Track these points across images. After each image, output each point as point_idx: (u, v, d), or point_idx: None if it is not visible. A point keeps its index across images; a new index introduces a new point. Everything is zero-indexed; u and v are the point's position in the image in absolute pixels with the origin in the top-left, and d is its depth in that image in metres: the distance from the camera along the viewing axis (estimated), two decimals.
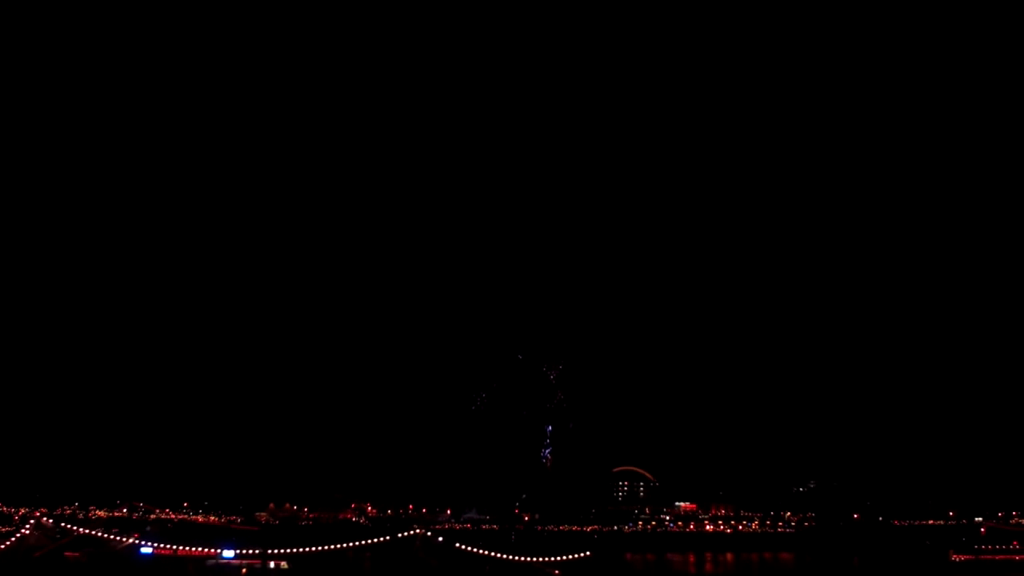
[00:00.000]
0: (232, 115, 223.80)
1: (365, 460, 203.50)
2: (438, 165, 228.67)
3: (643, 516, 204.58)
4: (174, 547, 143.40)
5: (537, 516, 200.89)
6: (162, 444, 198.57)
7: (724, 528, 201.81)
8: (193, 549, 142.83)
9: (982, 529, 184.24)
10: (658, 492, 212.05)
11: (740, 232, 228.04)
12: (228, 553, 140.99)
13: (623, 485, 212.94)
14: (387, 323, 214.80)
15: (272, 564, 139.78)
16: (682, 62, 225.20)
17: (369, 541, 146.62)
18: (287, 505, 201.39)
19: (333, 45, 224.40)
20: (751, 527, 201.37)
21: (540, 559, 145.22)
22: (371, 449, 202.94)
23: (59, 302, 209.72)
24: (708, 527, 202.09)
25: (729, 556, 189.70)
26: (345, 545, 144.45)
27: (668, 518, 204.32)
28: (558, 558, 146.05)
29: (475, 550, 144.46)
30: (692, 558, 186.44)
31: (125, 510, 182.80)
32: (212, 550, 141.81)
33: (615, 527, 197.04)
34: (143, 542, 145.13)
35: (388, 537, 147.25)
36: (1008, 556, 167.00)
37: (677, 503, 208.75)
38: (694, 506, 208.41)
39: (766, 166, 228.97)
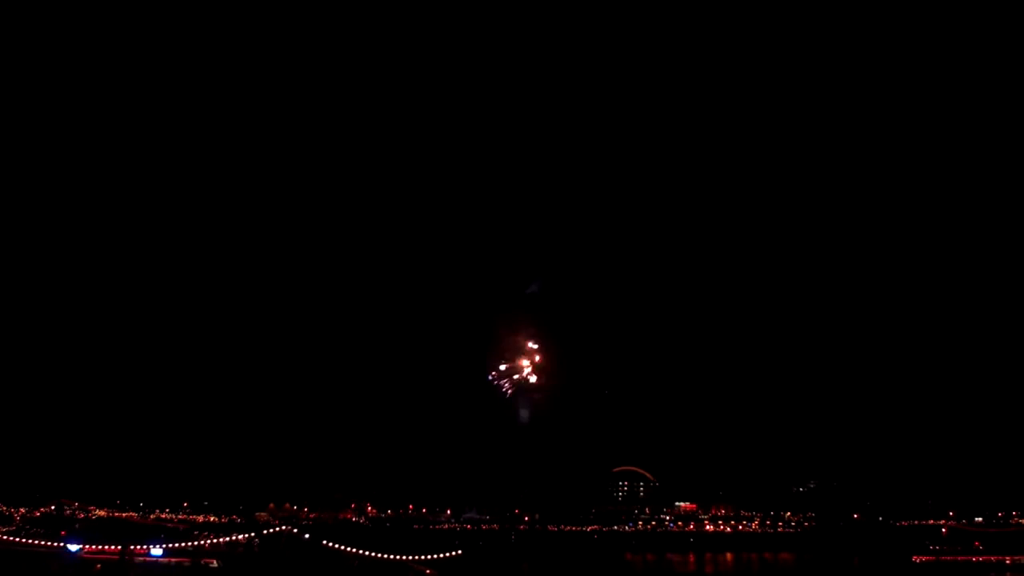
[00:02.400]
0: (232, 115, 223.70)
1: (365, 460, 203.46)
2: (441, 167, 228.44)
3: (643, 516, 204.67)
4: (101, 545, 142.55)
5: (537, 516, 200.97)
6: (162, 444, 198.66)
7: (724, 528, 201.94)
8: (121, 547, 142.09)
9: (943, 530, 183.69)
10: (658, 492, 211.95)
11: (739, 231, 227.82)
12: (156, 551, 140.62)
13: (623, 485, 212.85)
14: (388, 323, 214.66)
15: (202, 562, 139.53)
16: (683, 61, 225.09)
17: (232, 538, 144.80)
18: (287, 505, 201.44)
19: (333, 45, 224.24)
20: (751, 527, 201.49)
21: (412, 557, 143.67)
22: (371, 449, 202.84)
23: (56, 301, 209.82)
24: (708, 527, 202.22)
25: (729, 556, 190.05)
26: (215, 540, 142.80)
27: (668, 518, 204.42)
28: (430, 556, 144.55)
29: (344, 548, 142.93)
30: (692, 558, 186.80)
31: (53, 507, 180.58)
32: (141, 548, 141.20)
33: (615, 527, 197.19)
34: (68, 542, 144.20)
35: (252, 534, 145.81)
36: (968, 557, 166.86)
37: (677, 503, 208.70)
38: (694, 506, 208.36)
39: (764, 165, 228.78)
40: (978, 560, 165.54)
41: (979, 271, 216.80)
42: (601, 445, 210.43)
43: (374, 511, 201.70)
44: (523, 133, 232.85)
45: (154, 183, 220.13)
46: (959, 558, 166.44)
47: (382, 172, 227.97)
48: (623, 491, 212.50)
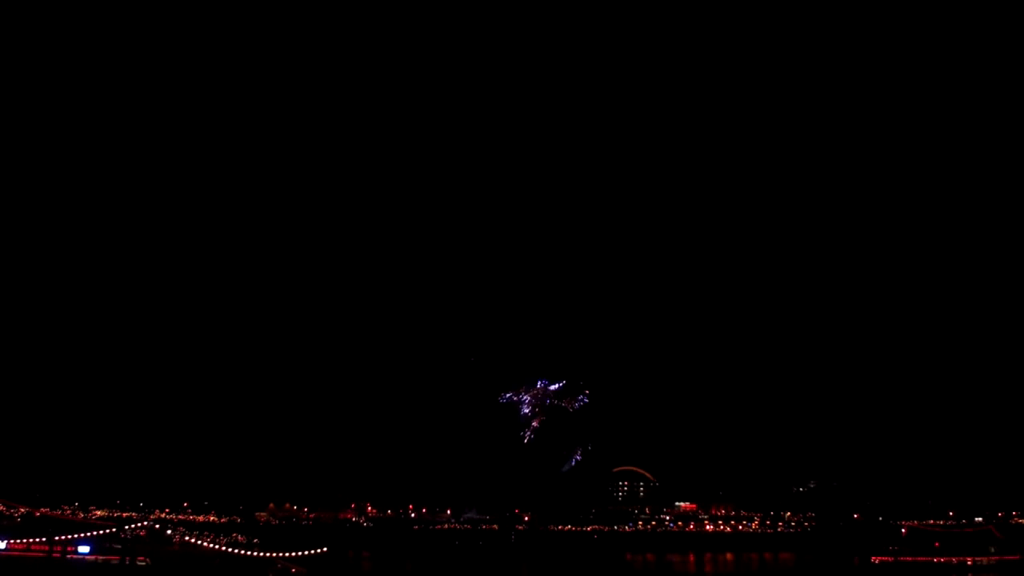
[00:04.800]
0: (232, 115, 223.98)
1: (365, 460, 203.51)
2: (448, 170, 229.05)
3: (643, 516, 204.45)
4: (29, 541, 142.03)
5: (534, 517, 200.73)
6: (163, 444, 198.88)
7: (724, 528, 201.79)
8: (49, 543, 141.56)
9: (903, 531, 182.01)
10: (658, 492, 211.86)
11: (739, 232, 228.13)
12: (84, 548, 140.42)
13: (623, 485, 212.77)
14: (388, 324, 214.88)
15: (136, 561, 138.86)
16: (682, 62, 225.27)
17: (101, 532, 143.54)
18: (287, 505, 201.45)
19: (333, 45, 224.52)
20: (751, 527, 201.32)
21: (278, 554, 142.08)
22: (371, 449, 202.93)
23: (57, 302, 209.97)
24: (708, 527, 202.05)
25: (729, 556, 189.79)
26: (89, 535, 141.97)
27: (668, 518, 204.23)
28: (296, 554, 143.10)
29: (207, 544, 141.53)
30: (692, 558, 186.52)
31: None
32: (69, 544, 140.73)
33: (615, 527, 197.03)
34: None
35: (114, 529, 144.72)
36: (928, 558, 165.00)
37: (677, 503, 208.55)
38: (694, 506, 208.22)
39: (765, 166, 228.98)
40: (938, 561, 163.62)
41: (979, 272, 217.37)
42: (601, 445, 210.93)
43: (374, 511, 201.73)
44: (523, 135, 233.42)
45: (155, 184, 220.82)
46: (919, 559, 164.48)
47: (384, 175, 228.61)
48: (623, 491, 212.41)
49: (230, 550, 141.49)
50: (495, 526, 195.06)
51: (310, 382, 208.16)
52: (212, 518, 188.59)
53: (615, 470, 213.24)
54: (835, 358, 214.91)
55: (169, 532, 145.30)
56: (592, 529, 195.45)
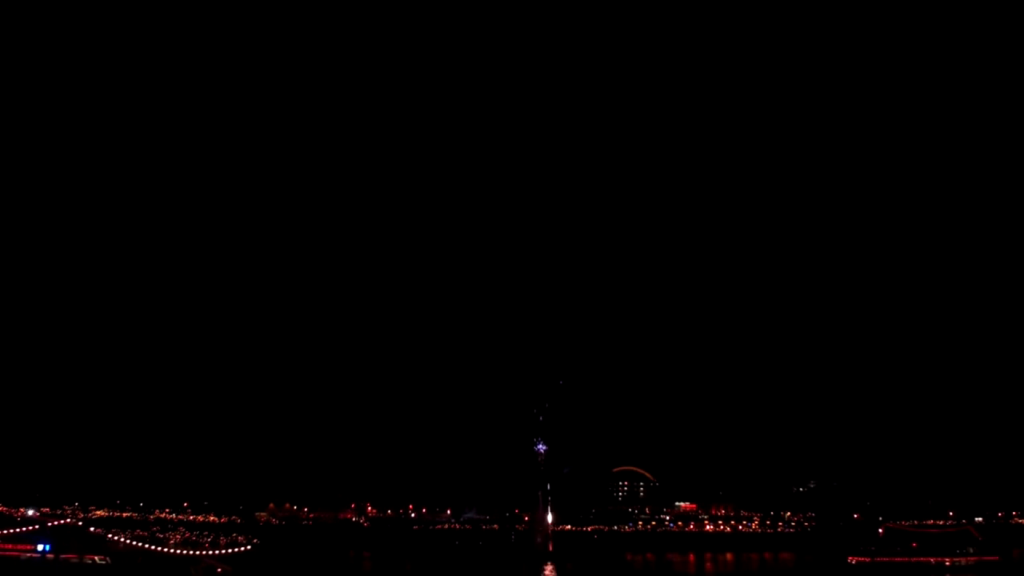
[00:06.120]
0: (232, 115, 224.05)
1: (365, 460, 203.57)
2: (448, 170, 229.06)
3: (643, 516, 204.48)
4: None
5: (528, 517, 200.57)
6: (164, 444, 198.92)
7: (724, 528, 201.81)
8: (7, 543, 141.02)
9: (880, 531, 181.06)
10: (658, 492, 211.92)
11: (740, 232, 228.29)
12: (43, 546, 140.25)
13: (623, 485, 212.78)
14: (388, 324, 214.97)
15: (94, 559, 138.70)
16: (682, 62, 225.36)
17: (28, 529, 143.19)
18: (287, 505, 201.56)
19: (333, 45, 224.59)
20: (751, 527, 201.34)
21: (204, 552, 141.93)
22: (371, 449, 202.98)
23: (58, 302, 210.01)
24: (708, 527, 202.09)
25: (729, 556, 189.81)
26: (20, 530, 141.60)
27: (668, 518, 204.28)
28: (221, 552, 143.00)
29: (128, 542, 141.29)
30: (692, 558, 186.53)
31: None
32: (28, 542, 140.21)
33: (615, 527, 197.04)
34: None
35: (37, 526, 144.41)
36: (905, 558, 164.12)
37: (677, 503, 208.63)
38: (694, 506, 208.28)
39: (766, 166, 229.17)
40: (915, 561, 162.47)
41: (979, 272, 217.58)
42: (601, 445, 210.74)
43: (374, 511, 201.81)
44: (524, 136, 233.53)
45: (156, 184, 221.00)
46: (896, 559, 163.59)
47: (381, 174, 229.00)
48: (623, 491, 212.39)
49: (153, 547, 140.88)
50: (495, 526, 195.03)
51: (310, 382, 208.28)
52: (212, 518, 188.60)
53: (615, 470, 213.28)
54: (834, 358, 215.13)
55: (92, 530, 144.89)
56: (592, 529, 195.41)
